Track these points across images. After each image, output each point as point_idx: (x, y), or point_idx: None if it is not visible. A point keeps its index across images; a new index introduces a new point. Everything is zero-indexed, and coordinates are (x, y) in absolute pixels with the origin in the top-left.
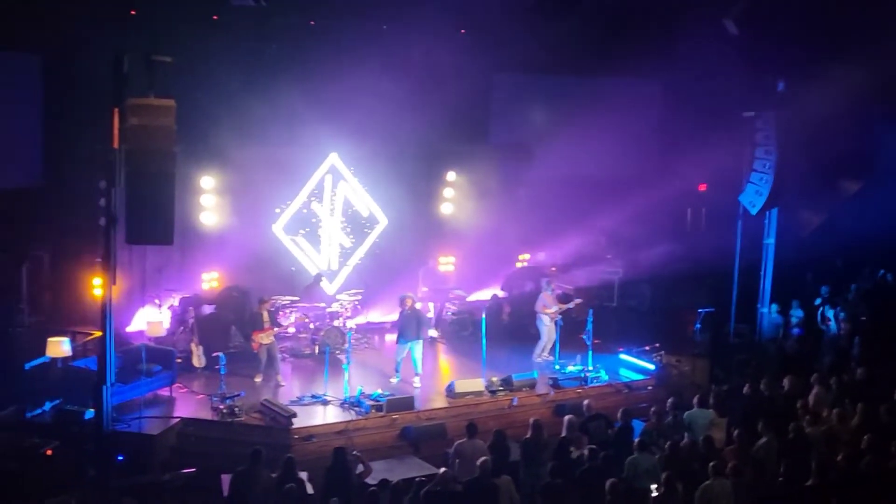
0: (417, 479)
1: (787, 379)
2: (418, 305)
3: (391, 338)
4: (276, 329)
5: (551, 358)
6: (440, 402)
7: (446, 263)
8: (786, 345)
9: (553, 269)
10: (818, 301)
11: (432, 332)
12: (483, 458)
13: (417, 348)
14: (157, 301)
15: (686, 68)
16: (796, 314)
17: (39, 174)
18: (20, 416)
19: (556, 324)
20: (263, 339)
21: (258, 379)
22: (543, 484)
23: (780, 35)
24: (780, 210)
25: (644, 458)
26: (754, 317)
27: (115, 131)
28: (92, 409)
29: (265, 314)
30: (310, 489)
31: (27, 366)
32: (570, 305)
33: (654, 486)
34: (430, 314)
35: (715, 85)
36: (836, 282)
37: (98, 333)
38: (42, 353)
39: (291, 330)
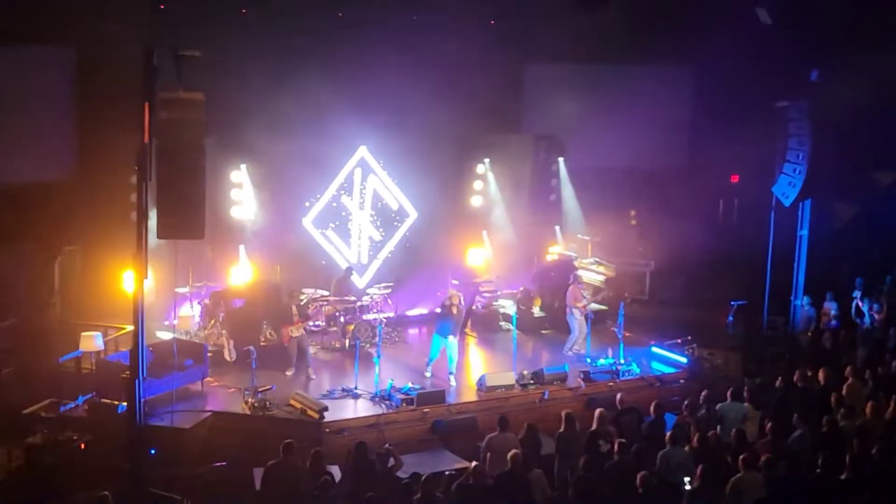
0: (448, 472)
1: (821, 371)
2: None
3: (419, 331)
4: (305, 322)
5: (582, 351)
6: (471, 395)
7: (476, 256)
8: (819, 337)
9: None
10: (855, 293)
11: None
12: (514, 451)
13: (453, 347)
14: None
15: (719, 57)
16: (831, 306)
17: (72, 169)
18: (55, 410)
19: (586, 317)
20: (293, 331)
21: (289, 373)
22: (575, 477)
23: (814, 23)
24: (814, 201)
25: (676, 451)
26: (788, 309)
27: (146, 126)
28: (124, 403)
29: (294, 307)
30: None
31: (61, 360)
32: (599, 298)
33: (686, 480)
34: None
35: (748, 74)
36: (871, 274)
37: (128, 328)
38: (75, 347)
39: (321, 323)
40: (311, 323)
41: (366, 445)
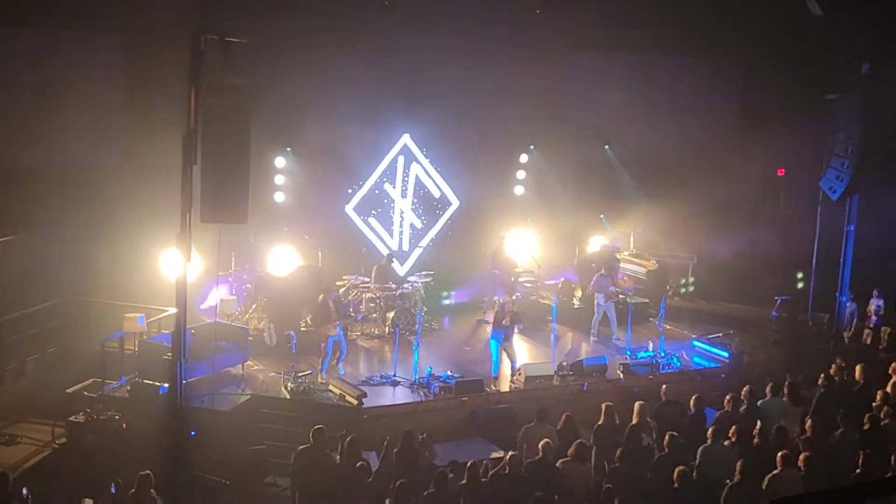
0: (485, 461)
1: (858, 368)
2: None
3: (461, 319)
4: (344, 321)
5: (622, 341)
6: (510, 385)
7: (518, 246)
8: (861, 334)
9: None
10: None
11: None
12: (545, 441)
13: (510, 347)
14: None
15: (769, 50)
16: (876, 303)
17: (118, 153)
18: (98, 391)
19: (609, 305)
20: (330, 330)
21: (320, 379)
22: (611, 469)
23: (865, 16)
24: (862, 196)
25: (718, 446)
26: (832, 305)
27: (192, 111)
28: (166, 385)
29: (331, 304)
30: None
31: (104, 340)
32: (629, 291)
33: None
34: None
35: (797, 67)
36: None
37: (171, 310)
38: (118, 328)
39: (358, 317)
40: (354, 318)
41: (413, 434)
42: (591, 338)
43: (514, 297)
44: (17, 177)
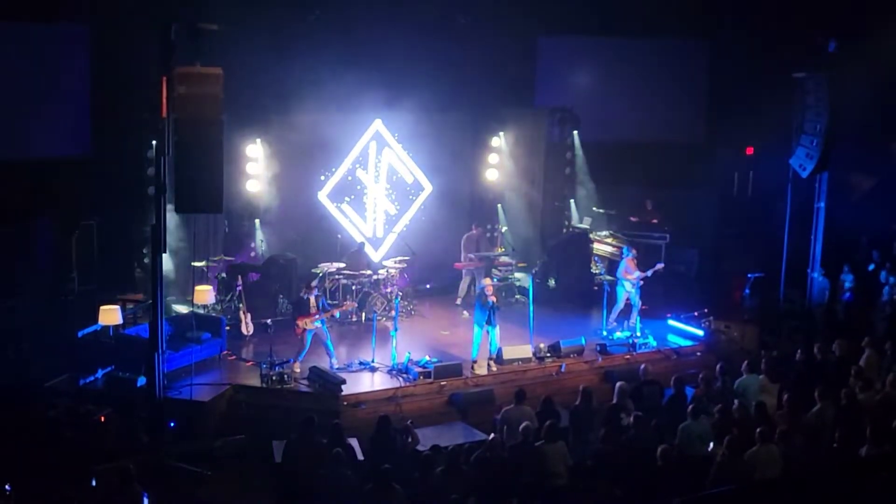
0: (466, 445)
1: (836, 343)
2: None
3: (436, 303)
4: (322, 315)
5: (633, 323)
6: (491, 367)
7: (491, 230)
8: (836, 309)
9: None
10: (871, 266)
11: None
12: (525, 424)
13: (495, 333)
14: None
15: (735, 28)
16: (847, 279)
17: (88, 144)
18: (73, 384)
19: (636, 289)
20: (307, 324)
21: (297, 369)
22: (593, 449)
23: None
24: (832, 173)
25: (697, 424)
26: (804, 282)
27: (164, 100)
28: (144, 377)
29: (312, 299)
30: (359, 455)
31: (80, 334)
32: (649, 273)
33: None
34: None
35: (765, 45)
36: (889, 246)
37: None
38: (94, 321)
39: (337, 315)
40: (333, 315)
41: (388, 419)
42: (611, 325)
43: (492, 281)
44: None
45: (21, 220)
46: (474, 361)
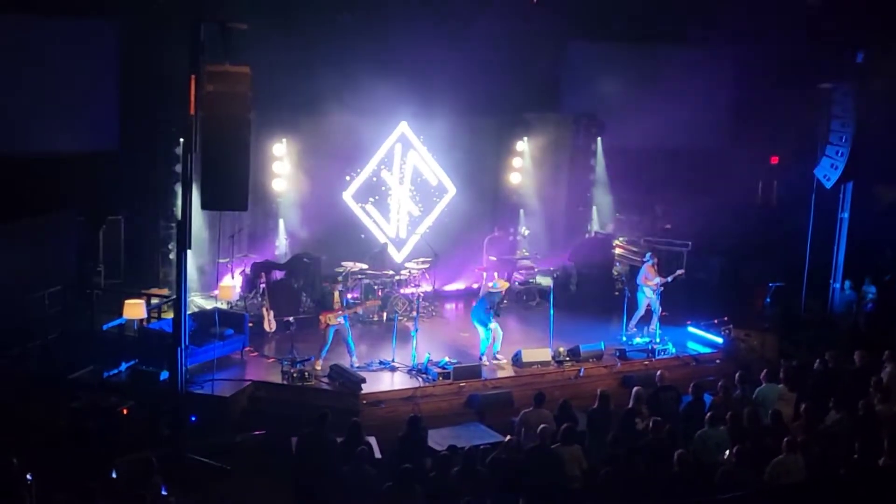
0: (482, 446)
1: (857, 354)
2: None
3: (455, 306)
4: (345, 311)
5: (652, 329)
6: (507, 370)
7: (514, 233)
8: (858, 321)
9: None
10: (888, 277)
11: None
12: (543, 426)
13: (498, 331)
14: (232, 266)
15: (764, 38)
16: (870, 290)
17: (116, 139)
18: (97, 376)
19: (657, 295)
20: (331, 319)
21: (318, 366)
22: (605, 454)
23: (860, 5)
24: (856, 184)
25: (714, 432)
26: (826, 292)
27: (192, 98)
28: (166, 371)
29: (336, 294)
30: (377, 453)
31: (104, 327)
32: (670, 280)
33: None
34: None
35: (792, 55)
36: None
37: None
38: (119, 314)
39: (360, 312)
40: (357, 312)
41: (419, 419)
42: (630, 330)
43: (504, 282)
44: (13, 162)
45: (49, 214)
46: (482, 358)
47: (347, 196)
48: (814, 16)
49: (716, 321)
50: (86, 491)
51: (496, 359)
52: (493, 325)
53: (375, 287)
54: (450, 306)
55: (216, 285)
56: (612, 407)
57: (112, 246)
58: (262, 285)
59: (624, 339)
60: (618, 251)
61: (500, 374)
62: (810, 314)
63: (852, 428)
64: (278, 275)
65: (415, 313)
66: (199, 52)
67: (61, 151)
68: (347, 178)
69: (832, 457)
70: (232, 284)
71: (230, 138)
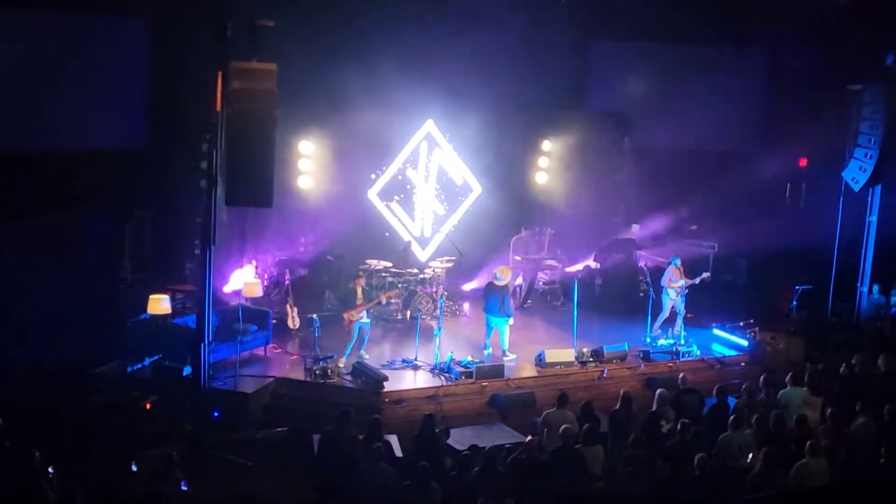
0: (505, 446)
1: (882, 358)
2: (505, 281)
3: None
4: (367, 305)
5: (677, 330)
6: (529, 371)
7: (539, 233)
8: (885, 326)
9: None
10: None
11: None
12: (566, 426)
13: (503, 327)
14: (253, 262)
15: (793, 40)
16: None
17: (143, 135)
18: (121, 371)
19: (681, 297)
20: (354, 315)
21: (341, 364)
22: (625, 455)
23: (890, 6)
24: (885, 187)
25: (738, 435)
26: (853, 296)
27: (218, 95)
28: (190, 366)
29: (359, 290)
30: (398, 451)
31: (129, 322)
32: (696, 281)
33: (748, 460)
34: (519, 281)
35: (821, 57)
36: None
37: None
38: (143, 309)
39: (384, 302)
40: (380, 302)
41: (434, 417)
42: (655, 332)
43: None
44: (42, 159)
45: (76, 209)
46: (486, 348)
47: (372, 194)
48: (844, 17)
49: (741, 323)
50: (106, 484)
51: (506, 355)
52: (501, 320)
53: (399, 285)
54: (474, 305)
55: (241, 282)
56: (635, 409)
57: (138, 241)
58: (287, 282)
59: (648, 340)
60: (643, 252)
61: (524, 373)
62: (837, 318)
63: (878, 432)
64: (302, 272)
65: (438, 312)
66: (225, 49)
67: (88, 147)
68: (373, 176)
69: (857, 461)
70: (256, 281)
71: (255, 135)
